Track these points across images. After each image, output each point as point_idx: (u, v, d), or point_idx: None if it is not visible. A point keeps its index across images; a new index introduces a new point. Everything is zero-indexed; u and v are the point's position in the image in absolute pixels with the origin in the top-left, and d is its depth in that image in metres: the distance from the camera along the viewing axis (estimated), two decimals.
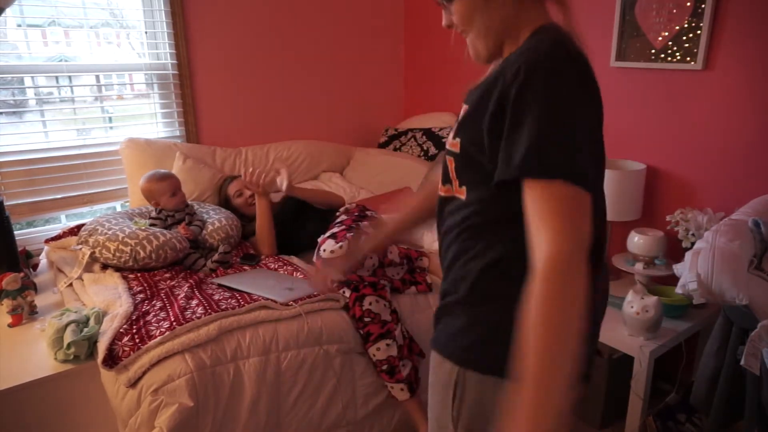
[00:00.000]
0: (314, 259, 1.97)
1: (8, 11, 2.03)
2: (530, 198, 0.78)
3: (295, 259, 2.17)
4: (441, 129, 2.90)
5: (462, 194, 0.92)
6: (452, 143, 0.92)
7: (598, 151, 0.87)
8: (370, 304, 1.81)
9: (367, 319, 1.79)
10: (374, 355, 1.79)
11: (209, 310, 1.64)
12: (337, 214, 2.19)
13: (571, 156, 0.77)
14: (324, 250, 1.84)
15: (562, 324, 0.71)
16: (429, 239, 2.28)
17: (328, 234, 1.94)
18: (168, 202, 2.14)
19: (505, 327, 0.84)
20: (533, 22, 0.89)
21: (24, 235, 2.32)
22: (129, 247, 1.93)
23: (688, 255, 1.65)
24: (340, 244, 1.83)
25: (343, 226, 1.97)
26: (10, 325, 1.77)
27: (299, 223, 2.32)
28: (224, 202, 2.45)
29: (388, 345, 1.79)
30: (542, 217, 0.76)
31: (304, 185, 2.74)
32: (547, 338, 0.70)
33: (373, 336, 1.78)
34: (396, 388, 1.83)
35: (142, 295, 1.79)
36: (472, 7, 0.90)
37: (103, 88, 2.47)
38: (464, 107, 0.93)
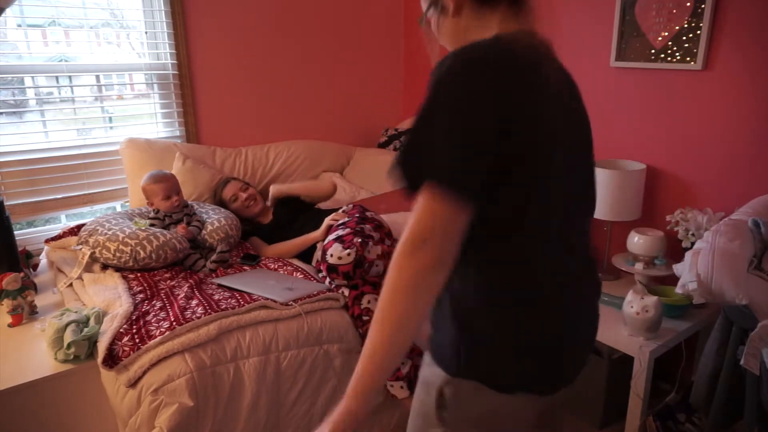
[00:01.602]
0: (317, 261, 1.96)
1: (8, 11, 2.03)
2: None
3: (295, 260, 2.17)
4: None
5: None
6: None
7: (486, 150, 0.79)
8: (369, 302, 1.81)
9: (365, 318, 1.79)
10: None
11: (209, 310, 1.64)
12: (336, 216, 2.19)
13: (432, 173, 0.80)
14: (331, 255, 1.83)
15: (385, 317, 0.82)
16: None
17: (333, 237, 1.92)
18: (160, 203, 2.14)
19: (486, 339, 0.89)
20: (485, 33, 0.89)
21: (24, 235, 2.32)
22: (129, 248, 1.93)
23: (688, 255, 1.65)
24: (348, 250, 1.82)
25: (348, 229, 1.95)
26: (10, 325, 1.77)
27: (297, 225, 2.31)
28: (221, 205, 2.45)
29: None
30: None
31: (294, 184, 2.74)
32: (377, 328, 0.83)
33: None
34: (396, 386, 1.83)
35: (142, 295, 1.79)
36: (438, 25, 0.96)
37: (103, 88, 2.47)
38: None
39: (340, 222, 2.07)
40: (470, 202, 0.79)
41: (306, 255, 2.21)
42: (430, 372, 0.98)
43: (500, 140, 0.78)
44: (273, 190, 2.46)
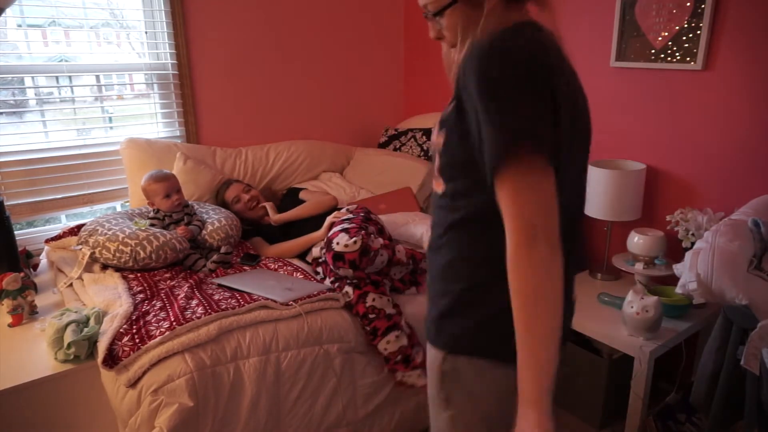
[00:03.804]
0: (322, 251, 1.96)
1: (8, 11, 2.03)
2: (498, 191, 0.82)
3: (295, 260, 2.17)
4: None
5: (441, 187, 0.96)
6: (437, 136, 0.95)
7: (567, 126, 0.83)
8: (373, 300, 1.81)
9: (372, 316, 1.79)
10: (386, 349, 1.79)
11: (209, 310, 1.64)
12: (338, 214, 2.19)
13: (514, 140, 0.78)
14: (337, 243, 1.80)
15: (534, 314, 0.80)
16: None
17: (339, 228, 1.92)
18: (161, 203, 2.14)
19: (490, 313, 0.90)
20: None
21: (24, 235, 2.32)
22: (129, 248, 1.93)
23: (688, 255, 1.65)
24: (354, 239, 1.81)
25: (353, 224, 1.94)
26: (10, 325, 1.77)
27: (298, 225, 2.31)
28: (222, 206, 2.45)
29: (397, 336, 1.80)
30: (504, 210, 0.81)
31: (303, 185, 2.74)
32: (526, 329, 0.80)
33: (381, 330, 1.78)
34: (413, 375, 1.84)
35: (142, 295, 1.79)
36: (464, 18, 0.91)
37: (103, 88, 2.47)
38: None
39: (345, 218, 2.07)
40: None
41: (306, 254, 2.21)
42: (432, 357, 0.99)
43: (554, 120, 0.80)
44: (275, 218, 2.36)
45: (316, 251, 2.13)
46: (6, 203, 2.09)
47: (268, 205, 2.42)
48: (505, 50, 0.80)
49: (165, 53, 2.53)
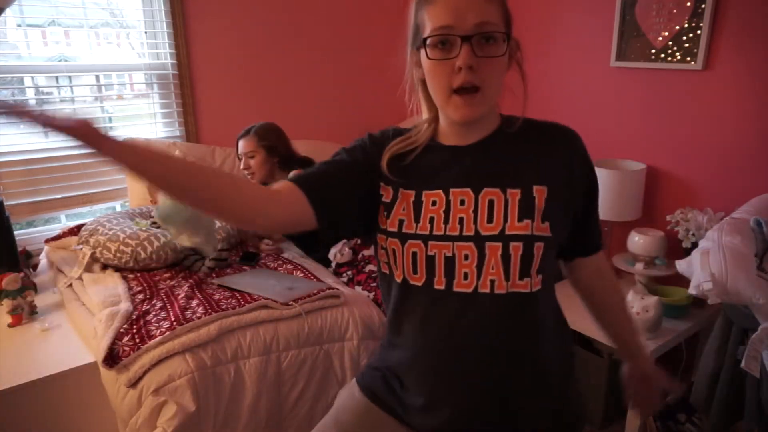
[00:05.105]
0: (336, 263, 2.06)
1: (8, 11, 2.03)
2: None
3: (296, 258, 2.17)
4: None
5: None
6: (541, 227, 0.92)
7: None
8: (370, 271, 1.92)
9: (373, 285, 1.90)
10: None
11: (209, 310, 1.64)
12: None
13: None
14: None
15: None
16: None
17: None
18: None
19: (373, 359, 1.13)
20: None
21: (24, 235, 2.32)
22: (130, 248, 1.93)
23: (695, 255, 1.64)
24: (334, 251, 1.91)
25: None
26: (10, 325, 1.77)
27: None
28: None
29: None
30: None
31: None
32: None
33: None
34: None
35: (141, 295, 1.79)
36: (503, 65, 0.89)
37: (103, 88, 2.46)
38: (541, 188, 0.92)
39: None
40: None
41: (325, 261, 2.19)
42: None
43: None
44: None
45: (338, 257, 2.14)
46: (6, 203, 2.09)
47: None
48: None
49: (165, 53, 2.52)
